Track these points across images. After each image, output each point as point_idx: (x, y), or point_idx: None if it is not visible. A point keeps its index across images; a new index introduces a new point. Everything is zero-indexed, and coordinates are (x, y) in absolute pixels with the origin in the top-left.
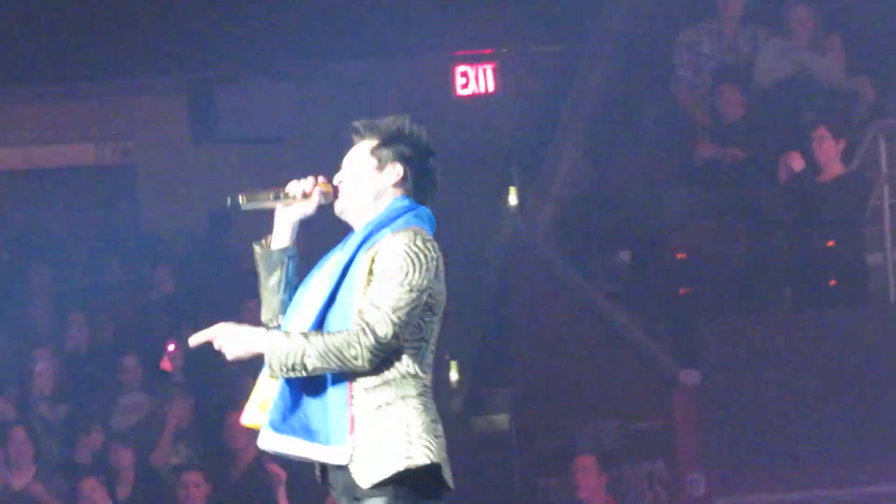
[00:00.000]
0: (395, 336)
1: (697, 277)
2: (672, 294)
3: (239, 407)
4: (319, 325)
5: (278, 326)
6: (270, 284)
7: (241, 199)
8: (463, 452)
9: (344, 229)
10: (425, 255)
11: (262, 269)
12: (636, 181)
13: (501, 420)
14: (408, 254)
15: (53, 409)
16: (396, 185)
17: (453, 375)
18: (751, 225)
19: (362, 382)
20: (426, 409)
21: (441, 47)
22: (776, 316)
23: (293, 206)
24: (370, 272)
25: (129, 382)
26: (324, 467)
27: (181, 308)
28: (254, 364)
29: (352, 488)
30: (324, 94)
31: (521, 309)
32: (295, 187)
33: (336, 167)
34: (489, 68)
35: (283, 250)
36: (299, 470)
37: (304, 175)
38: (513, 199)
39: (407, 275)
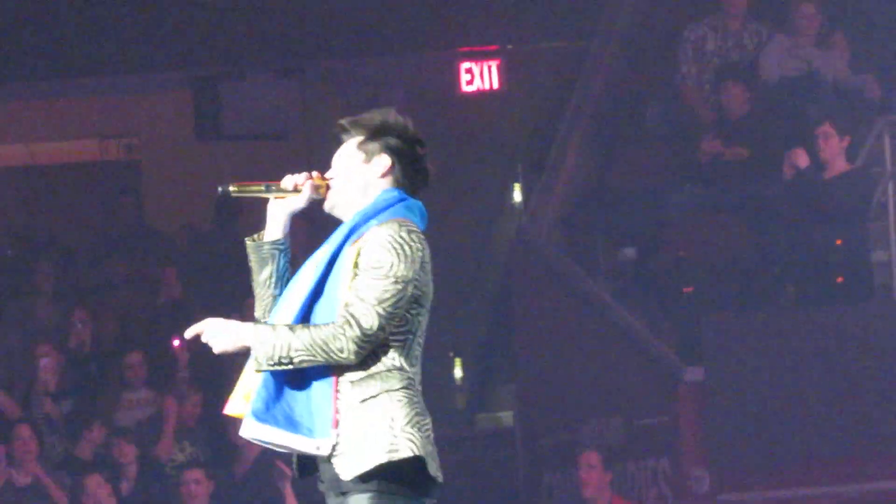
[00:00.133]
0: (381, 328)
1: (701, 274)
2: (676, 291)
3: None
4: (305, 316)
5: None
6: (262, 279)
7: (232, 188)
8: (467, 448)
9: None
10: (410, 247)
11: (253, 263)
12: (641, 178)
13: (506, 416)
14: (392, 245)
15: (57, 405)
16: (384, 176)
17: (457, 372)
18: (755, 222)
19: (348, 376)
20: (411, 403)
21: (446, 44)
22: (780, 313)
23: (284, 199)
24: (356, 265)
25: (133, 379)
26: (302, 460)
27: (186, 304)
28: (246, 357)
29: (337, 482)
30: (328, 91)
31: (526, 306)
32: (288, 181)
33: None
34: (494, 65)
35: (273, 243)
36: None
37: (308, 171)
38: (517, 195)
39: (392, 266)
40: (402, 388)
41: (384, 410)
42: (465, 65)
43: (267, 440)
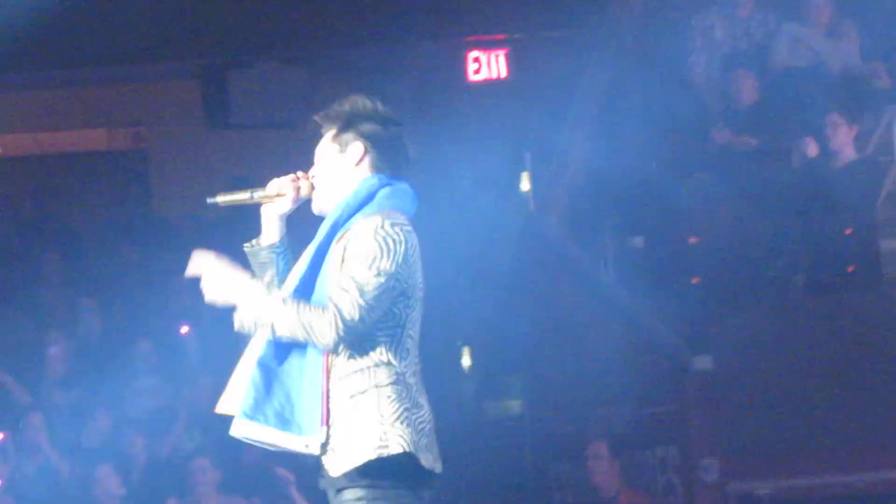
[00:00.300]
0: (362, 320)
1: (710, 263)
2: (685, 280)
3: None
4: None
5: None
6: (265, 282)
7: (218, 199)
8: (475, 437)
9: None
10: (393, 240)
11: (254, 268)
12: (649, 167)
13: (514, 405)
14: (375, 238)
15: (66, 393)
16: (359, 163)
17: (466, 360)
18: (764, 211)
19: (336, 372)
20: (400, 398)
21: (454, 33)
22: (789, 301)
23: (274, 203)
24: (343, 260)
25: (142, 367)
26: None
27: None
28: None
29: (333, 478)
30: (336, 80)
31: (534, 294)
32: (272, 185)
33: None
34: (502, 54)
35: (270, 247)
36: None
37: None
38: (525, 184)
39: (374, 259)
40: (391, 383)
41: (373, 406)
42: (473, 54)
43: (257, 439)
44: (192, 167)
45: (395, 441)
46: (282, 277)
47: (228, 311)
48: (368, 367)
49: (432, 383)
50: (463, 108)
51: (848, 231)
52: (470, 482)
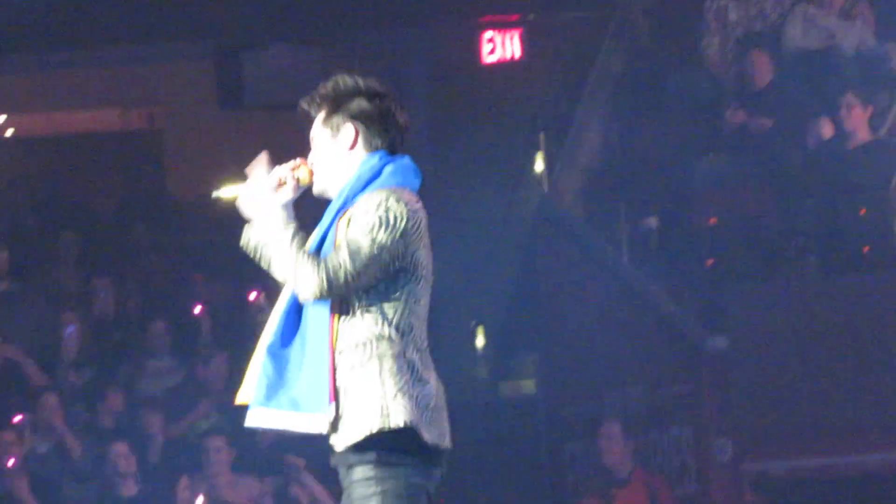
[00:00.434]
0: (346, 283)
1: (725, 244)
2: (699, 260)
3: None
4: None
5: None
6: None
7: (220, 193)
8: (489, 418)
9: None
10: (395, 216)
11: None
12: (663, 148)
13: (528, 385)
14: (377, 212)
15: (81, 373)
16: (354, 146)
17: (480, 340)
18: (779, 191)
19: (339, 345)
20: (401, 371)
21: (468, 14)
22: (803, 282)
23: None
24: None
25: (157, 347)
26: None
27: (209, 273)
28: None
29: (340, 455)
30: (350, 61)
31: (548, 275)
32: (272, 176)
33: None
34: (516, 35)
35: None
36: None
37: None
38: (539, 165)
39: (373, 229)
40: (392, 356)
41: (374, 378)
42: (487, 35)
43: (272, 425)
44: (206, 148)
45: (397, 413)
46: None
47: (242, 292)
48: (370, 341)
49: (446, 363)
50: (477, 89)
51: (862, 212)
52: (484, 462)
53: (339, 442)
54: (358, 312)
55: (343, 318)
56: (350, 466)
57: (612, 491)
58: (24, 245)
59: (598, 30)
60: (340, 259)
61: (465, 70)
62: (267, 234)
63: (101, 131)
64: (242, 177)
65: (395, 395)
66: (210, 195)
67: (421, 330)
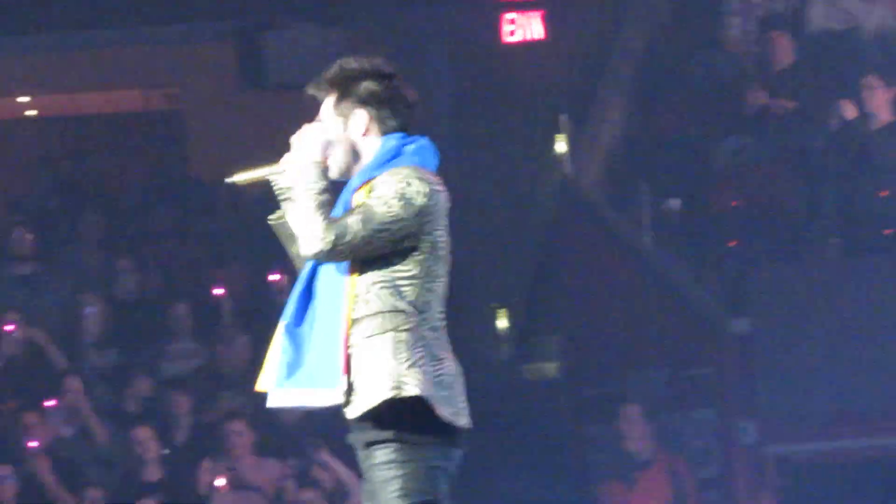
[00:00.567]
0: (351, 247)
1: (747, 225)
2: (721, 242)
3: None
4: (314, 272)
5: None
6: (294, 252)
7: (237, 178)
8: (512, 400)
9: None
10: (415, 191)
11: (282, 240)
12: (686, 129)
13: (550, 367)
14: (397, 185)
15: (103, 355)
16: (367, 132)
17: (502, 323)
18: (801, 173)
19: (354, 314)
20: (415, 345)
21: None
22: (826, 263)
23: None
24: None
25: (179, 329)
26: None
27: (229, 254)
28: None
29: (358, 433)
30: (372, 41)
31: (570, 256)
32: (287, 159)
33: None
34: (537, 15)
35: None
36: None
37: None
38: (561, 146)
39: (390, 200)
40: (408, 329)
41: (388, 349)
42: (509, 15)
43: (292, 403)
44: (228, 128)
45: (409, 384)
46: None
47: (264, 274)
48: (385, 312)
49: (469, 345)
50: (499, 69)
51: (884, 193)
52: (506, 444)
53: (352, 412)
54: (375, 286)
55: (360, 289)
56: (368, 447)
57: (634, 473)
58: (46, 225)
59: (620, 11)
60: (351, 220)
61: (486, 51)
62: (295, 182)
63: (124, 112)
64: (257, 161)
65: (409, 367)
66: (226, 180)
67: (437, 309)
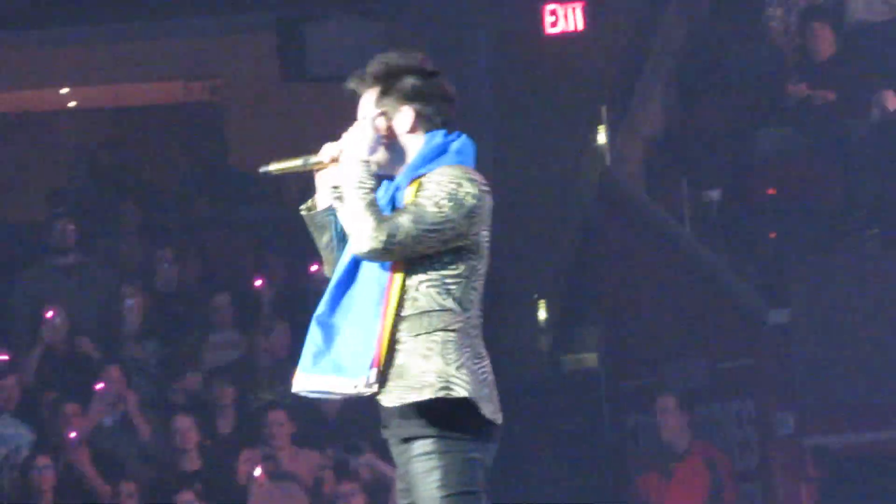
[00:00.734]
0: (403, 246)
1: (787, 216)
2: (761, 233)
3: None
4: (354, 265)
5: None
6: (324, 243)
7: (271, 167)
8: (551, 391)
9: None
10: (467, 193)
11: (312, 231)
12: (725, 120)
13: (590, 358)
14: (450, 184)
15: (143, 346)
16: (414, 129)
17: (542, 314)
18: (841, 164)
19: (402, 311)
20: (463, 345)
21: None
22: (865, 256)
23: (328, 169)
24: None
25: (219, 320)
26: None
27: (269, 244)
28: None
29: (398, 427)
30: (413, 33)
31: (610, 248)
32: (325, 151)
33: None
34: (578, 6)
35: (327, 210)
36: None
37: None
38: (602, 137)
39: (442, 200)
40: (456, 329)
41: (436, 349)
42: (550, 6)
43: (315, 389)
44: (268, 120)
45: (458, 385)
46: (340, 237)
47: (303, 264)
48: (434, 311)
49: (508, 337)
50: (539, 61)
51: None
52: (545, 436)
53: (391, 400)
54: (423, 284)
55: (408, 287)
56: (408, 441)
57: (671, 465)
58: (87, 216)
59: (661, 2)
60: (403, 220)
61: (527, 42)
62: (345, 180)
63: (164, 104)
64: (295, 152)
65: (458, 368)
66: (260, 169)
67: (478, 307)
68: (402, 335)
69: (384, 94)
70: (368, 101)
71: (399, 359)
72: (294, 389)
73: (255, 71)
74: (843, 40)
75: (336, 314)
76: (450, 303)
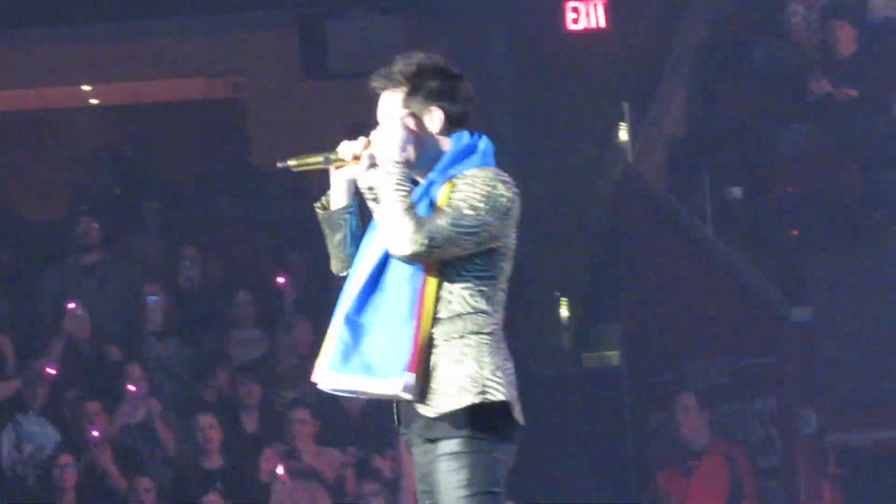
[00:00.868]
0: (440, 247)
1: (809, 213)
2: (783, 230)
3: None
4: (383, 265)
5: (346, 277)
6: (336, 241)
7: (291, 162)
8: (573, 388)
9: None
10: (501, 195)
11: (326, 229)
12: (748, 117)
13: (612, 356)
14: (485, 186)
15: (166, 344)
16: (442, 130)
17: (564, 311)
18: (863, 161)
19: (437, 314)
20: (498, 348)
21: None
22: (887, 252)
23: (346, 167)
24: (448, 198)
25: (242, 317)
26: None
27: (291, 242)
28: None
29: (426, 428)
30: (435, 30)
31: (632, 245)
32: (345, 149)
33: None
34: (600, 3)
35: (342, 209)
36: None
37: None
38: (623, 134)
39: (478, 203)
40: (490, 332)
41: (472, 353)
42: (572, 3)
43: (343, 388)
44: (290, 116)
45: (495, 389)
46: (354, 234)
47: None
48: (468, 314)
49: (530, 334)
50: (561, 58)
51: None
52: (567, 433)
53: (429, 410)
54: (456, 286)
55: (442, 290)
56: (437, 439)
57: (691, 462)
58: (109, 213)
59: None
60: (442, 222)
61: (549, 39)
62: (381, 184)
63: (186, 101)
64: (314, 149)
65: (494, 372)
66: (278, 164)
67: (503, 309)
68: (436, 339)
69: (412, 93)
70: (393, 100)
71: (433, 363)
72: (320, 385)
73: (276, 68)
74: (865, 37)
75: (365, 314)
76: (483, 304)
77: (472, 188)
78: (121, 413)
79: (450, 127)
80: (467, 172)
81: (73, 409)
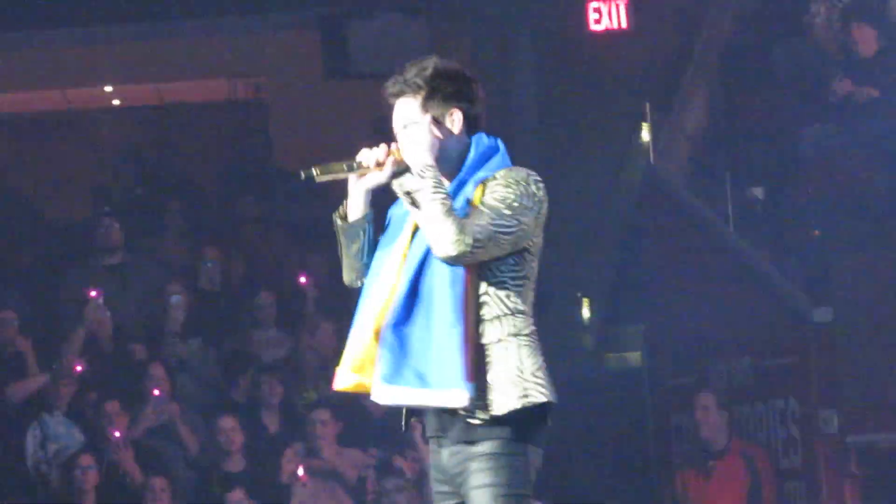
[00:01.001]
0: (483, 247)
1: (831, 214)
2: (805, 231)
3: None
4: (419, 272)
5: (361, 286)
6: (353, 252)
7: (315, 171)
8: (595, 389)
9: None
10: (537, 197)
11: (343, 239)
12: (770, 118)
13: (634, 357)
14: (519, 186)
15: (188, 344)
16: (462, 132)
17: (585, 312)
18: (885, 161)
19: (474, 318)
20: (537, 348)
21: None
22: None
23: (367, 175)
24: (480, 202)
25: (264, 318)
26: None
27: (313, 243)
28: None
29: (465, 431)
30: (457, 30)
31: (654, 246)
32: (368, 156)
33: None
34: (622, 4)
35: (362, 218)
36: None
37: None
38: (645, 135)
39: (514, 203)
40: (528, 333)
41: (513, 356)
42: (594, 4)
43: (400, 402)
44: (312, 117)
45: (536, 391)
46: (371, 244)
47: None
48: (506, 315)
49: (553, 335)
50: (583, 58)
51: None
52: (589, 434)
53: (471, 418)
54: (492, 287)
55: (480, 292)
56: (474, 441)
57: (710, 463)
58: (131, 214)
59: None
60: (483, 222)
61: (571, 39)
62: (421, 184)
63: (208, 102)
64: (336, 151)
65: (535, 373)
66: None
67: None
68: (477, 342)
69: (430, 97)
70: (411, 105)
71: (479, 367)
72: (378, 400)
73: (298, 69)
74: (886, 38)
75: (409, 323)
76: (520, 305)
77: (507, 189)
78: (144, 416)
79: (468, 128)
80: (499, 174)
81: (95, 410)
